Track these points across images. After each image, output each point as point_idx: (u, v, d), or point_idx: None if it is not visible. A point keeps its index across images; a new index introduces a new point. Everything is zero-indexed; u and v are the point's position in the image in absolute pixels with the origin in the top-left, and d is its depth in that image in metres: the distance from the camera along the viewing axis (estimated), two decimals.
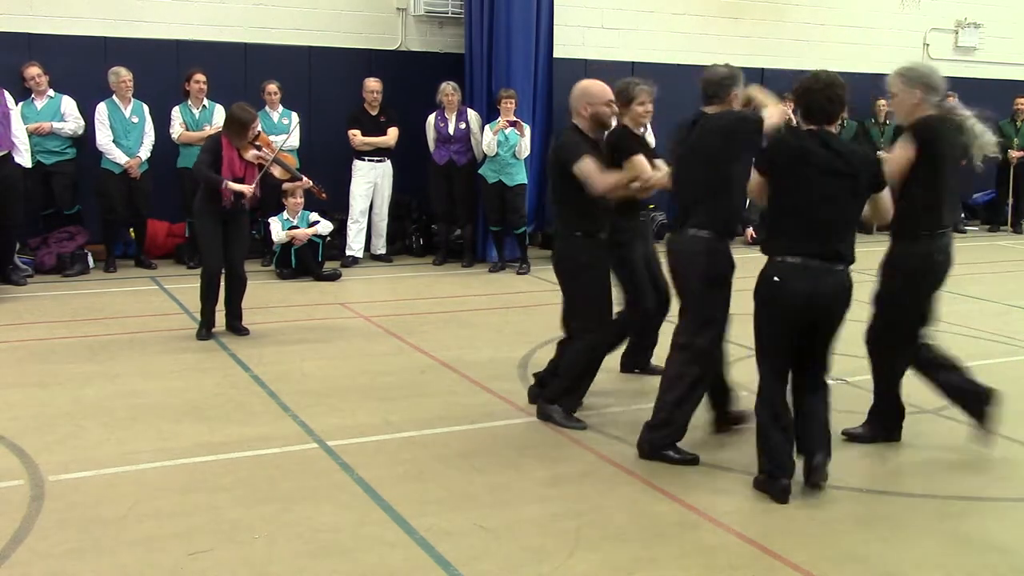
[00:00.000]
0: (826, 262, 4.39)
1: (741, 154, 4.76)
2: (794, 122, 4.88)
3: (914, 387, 6.25)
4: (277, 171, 7.31)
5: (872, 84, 13.27)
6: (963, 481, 4.75)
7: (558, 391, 5.44)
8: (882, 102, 13.20)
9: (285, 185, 8.92)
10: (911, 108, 5.01)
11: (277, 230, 9.39)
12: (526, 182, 10.15)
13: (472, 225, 10.54)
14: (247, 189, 6.88)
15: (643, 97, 5.68)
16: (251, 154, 6.98)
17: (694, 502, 4.38)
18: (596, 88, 5.33)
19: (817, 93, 4.46)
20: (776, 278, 4.40)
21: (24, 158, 8.61)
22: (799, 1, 13.33)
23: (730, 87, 4.89)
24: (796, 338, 4.48)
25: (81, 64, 9.67)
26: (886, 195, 4.59)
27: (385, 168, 10.41)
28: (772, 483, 4.46)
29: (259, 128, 7.19)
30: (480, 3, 10.46)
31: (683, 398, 4.82)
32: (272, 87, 9.93)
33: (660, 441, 4.83)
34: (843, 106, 4.52)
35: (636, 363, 6.29)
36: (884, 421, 5.26)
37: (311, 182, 7.68)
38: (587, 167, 5.09)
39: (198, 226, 7.11)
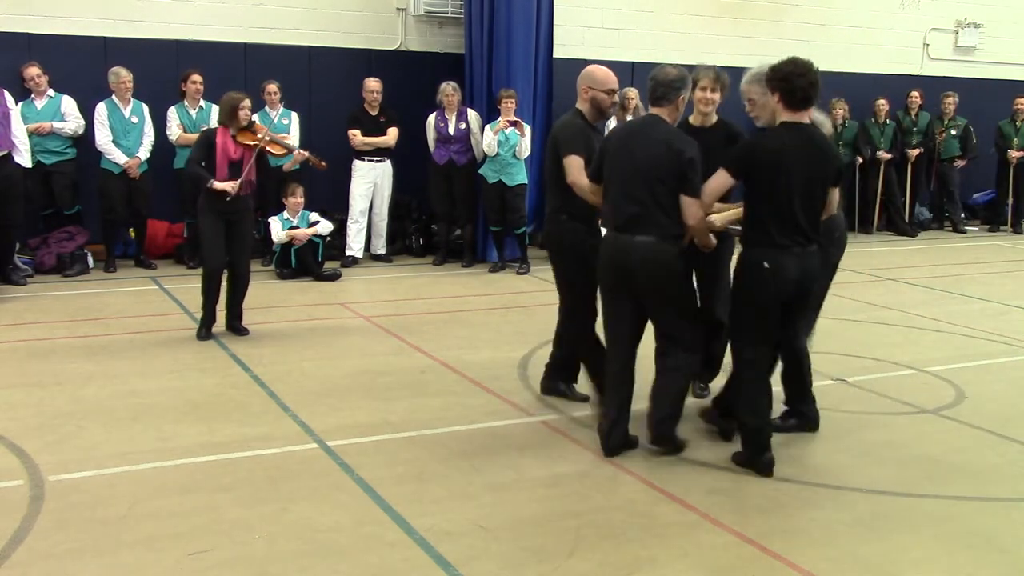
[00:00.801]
0: (808, 245, 4.69)
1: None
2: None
3: (914, 387, 6.27)
4: (273, 148, 7.34)
5: (872, 84, 13.39)
6: (963, 481, 4.75)
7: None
8: (882, 102, 13.21)
9: (285, 166, 8.89)
10: (774, 110, 4.95)
11: (277, 230, 9.39)
12: (526, 182, 10.15)
13: (472, 225, 10.54)
14: (229, 187, 6.88)
15: (704, 82, 5.20)
16: (246, 138, 7.02)
17: (694, 502, 4.38)
18: (600, 74, 5.34)
19: (799, 79, 4.62)
20: (765, 264, 4.62)
21: (24, 158, 8.61)
22: (799, 1, 13.33)
23: (679, 90, 4.84)
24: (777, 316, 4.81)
25: (81, 64, 9.67)
26: (836, 190, 4.89)
27: (385, 168, 10.41)
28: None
29: (251, 115, 7.20)
30: (480, 3, 10.46)
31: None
32: (272, 87, 9.93)
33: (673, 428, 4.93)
34: (819, 90, 4.68)
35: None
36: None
37: (307, 153, 7.74)
38: (573, 162, 5.15)
39: (200, 224, 7.10)
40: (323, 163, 7.86)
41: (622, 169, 4.80)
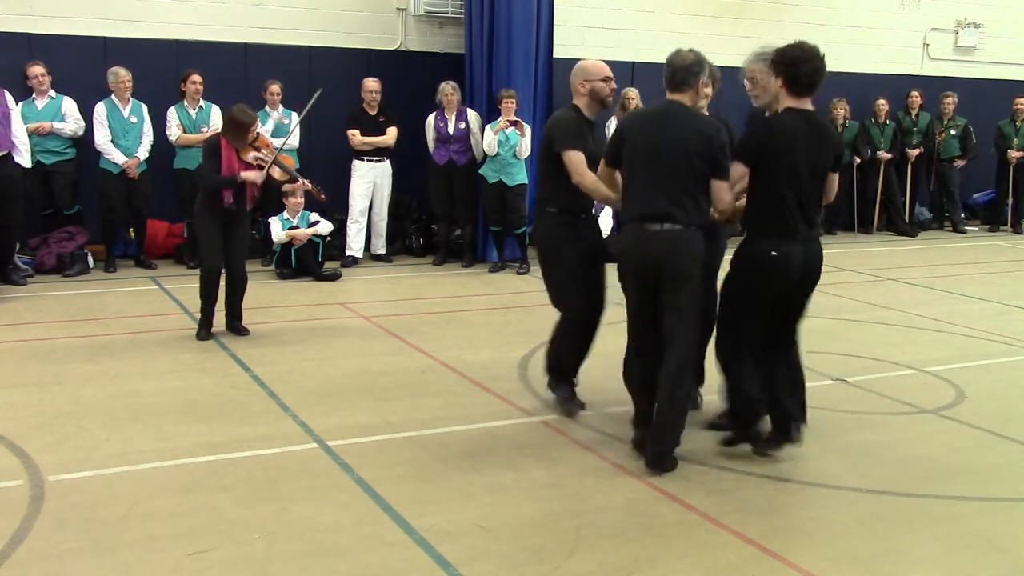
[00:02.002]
0: (811, 230, 4.69)
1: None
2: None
3: (914, 387, 6.27)
4: (276, 172, 7.30)
5: (872, 84, 13.39)
6: (963, 481, 4.75)
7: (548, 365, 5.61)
8: (882, 102, 13.22)
9: (284, 187, 8.91)
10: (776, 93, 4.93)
11: (277, 230, 9.40)
12: (526, 182, 10.15)
13: (472, 225, 10.54)
14: (257, 177, 6.92)
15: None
16: (250, 156, 6.98)
17: (694, 502, 4.38)
18: (593, 65, 5.34)
19: (805, 64, 4.59)
20: (774, 252, 4.60)
21: (24, 158, 8.61)
22: (799, 1, 13.34)
23: (698, 75, 4.80)
24: (775, 303, 4.77)
25: (81, 64, 9.67)
26: (835, 175, 4.89)
27: (384, 168, 10.41)
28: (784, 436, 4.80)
29: (258, 130, 7.19)
30: (480, 3, 10.46)
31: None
32: (275, 88, 9.93)
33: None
34: (825, 77, 4.66)
35: None
36: None
37: (309, 183, 7.67)
38: (575, 159, 5.13)
39: (199, 226, 7.11)
40: (323, 195, 7.80)
41: (648, 156, 4.70)
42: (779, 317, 4.82)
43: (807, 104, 4.67)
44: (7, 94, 8.48)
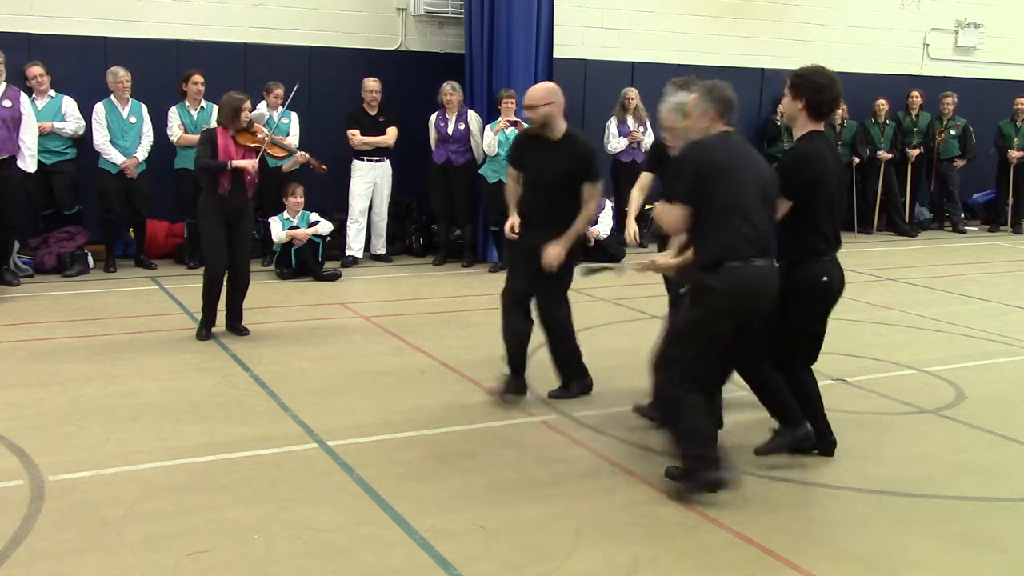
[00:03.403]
0: (837, 252, 4.76)
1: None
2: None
3: (914, 387, 6.27)
4: (274, 151, 7.38)
5: (872, 84, 13.38)
6: (963, 481, 4.75)
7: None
8: (882, 102, 13.21)
9: (285, 166, 8.92)
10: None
11: (277, 230, 9.40)
12: None
13: (472, 225, 10.55)
14: (249, 164, 6.94)
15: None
16: (247, 139, 7.02)
17: (694, 502, 4.38)
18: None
19: (827, 91, 4.58)
20: (825, 278, 4.64)
21: (28, 164, 8.59)
22: (799, 1, 13.33)
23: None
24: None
25: (81, 64, 9.67)
26: None
27: (384, 168, 10.41)
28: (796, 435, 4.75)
29: (251, 115, 7.21)
30: (480, 3, 10.46)
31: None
32: (279, 91, 9.90)
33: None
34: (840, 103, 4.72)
35: None
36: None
37: (308, 155, 7.77)
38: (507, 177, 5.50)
39: (201, 227, 7.11)
40: (323, 167, 7.88)
41: (746, 191, 4.32)
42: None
43: (821, 126, 4.68)
44: (23, 96, 8.44)
